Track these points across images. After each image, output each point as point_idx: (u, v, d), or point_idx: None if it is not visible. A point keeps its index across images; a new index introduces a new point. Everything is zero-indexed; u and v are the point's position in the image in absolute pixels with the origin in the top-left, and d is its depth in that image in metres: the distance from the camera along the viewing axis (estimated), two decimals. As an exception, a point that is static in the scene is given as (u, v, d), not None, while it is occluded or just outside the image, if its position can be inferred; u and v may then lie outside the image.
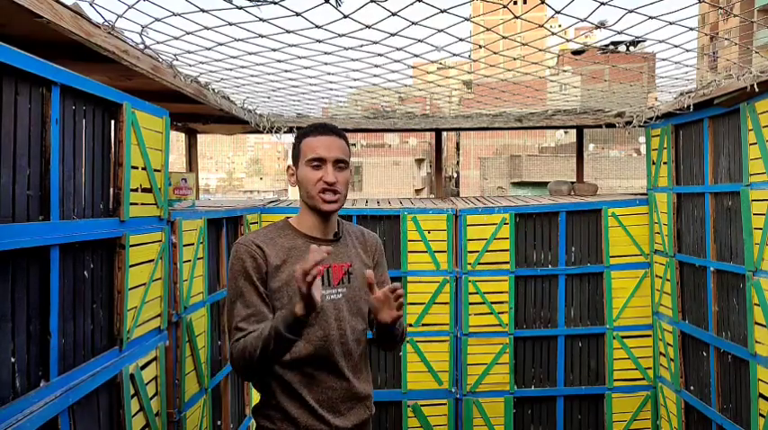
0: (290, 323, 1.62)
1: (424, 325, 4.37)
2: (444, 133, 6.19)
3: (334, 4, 2.23)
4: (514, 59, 3.68)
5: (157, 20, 2.39)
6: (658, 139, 4.23)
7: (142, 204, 2.45)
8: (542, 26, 2.83)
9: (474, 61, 4.20)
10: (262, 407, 1.87)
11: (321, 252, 1.53)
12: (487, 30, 3.06)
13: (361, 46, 2.90)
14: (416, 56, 3.16)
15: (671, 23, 2.66)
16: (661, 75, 4.10)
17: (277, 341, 1.64)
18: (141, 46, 2.59)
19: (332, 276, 1.88)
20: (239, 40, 2.71)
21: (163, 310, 2.64)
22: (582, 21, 2.68)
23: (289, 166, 1.98)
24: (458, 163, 32.70)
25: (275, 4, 2.24)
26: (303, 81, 3.79)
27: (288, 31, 2.60)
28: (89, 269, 2.09)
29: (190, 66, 3.13)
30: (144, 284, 2.44)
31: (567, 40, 3.65)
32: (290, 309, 1.64)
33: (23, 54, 1.65)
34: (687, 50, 3.11)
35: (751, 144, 3.15)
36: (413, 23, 2.62)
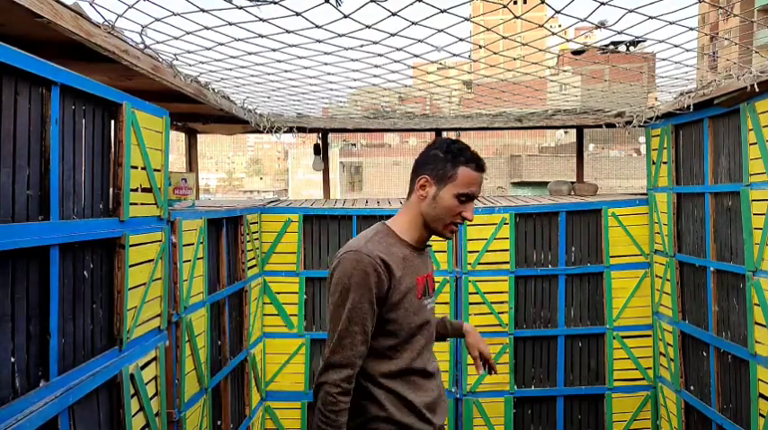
0: None
1: (424, 325, 4.37)
2: (444, 133, 6.19)
3: (334, 4, 2.22)
4: (514, 59, 3.68)
5: (157, 20, 2.39)
6: (658, 139, 4.23)
7: (142, 204, 2.45)
8: (542, 26, 2.83)
9: (474, 61, 4.20)
10: (368, 421, 1.82)
11: None
12: (487, 30, 3.06)
13: (362, 46, 2.90)
14: (416, 56, 3.16)
15: (671, 23, 2.66)
16: (661, 75, 4.10)
17: None
18: (141, 46, 2.59)
19: (429, 285, 1.94)
20: (239, 40, 2.71)
21: (163, 310, 2.64)
22: (582, 21, 2.68)
23: (426, 178, 1.82)
24: (458, 163, 32.61)
25: (275, 3, 2.24)
26: (303, 81, 3.79)
27: (288, 31, 2.60)
28: (89, 269, 2.09)
29: (190, 66, 3.13)
30: (144, 284, 2.44)
31: (567, 40, 3.65)
32: None
33: (23, 54, 1.65)
34: (687, 50, 3.12)
35: (751, 144, 3.15)
36: (413, 23, 2.62)
